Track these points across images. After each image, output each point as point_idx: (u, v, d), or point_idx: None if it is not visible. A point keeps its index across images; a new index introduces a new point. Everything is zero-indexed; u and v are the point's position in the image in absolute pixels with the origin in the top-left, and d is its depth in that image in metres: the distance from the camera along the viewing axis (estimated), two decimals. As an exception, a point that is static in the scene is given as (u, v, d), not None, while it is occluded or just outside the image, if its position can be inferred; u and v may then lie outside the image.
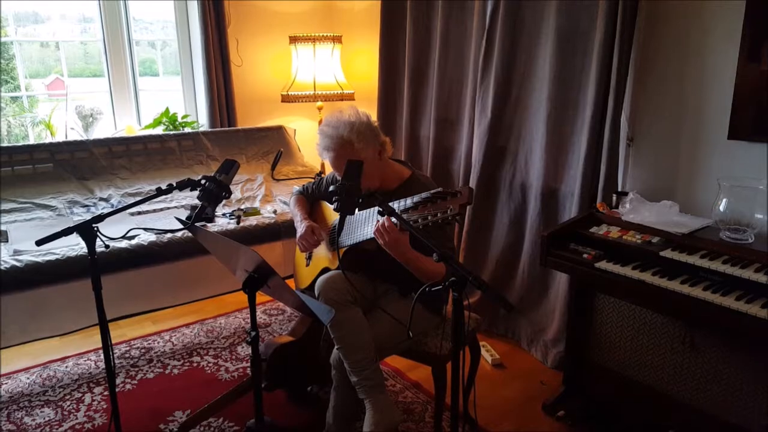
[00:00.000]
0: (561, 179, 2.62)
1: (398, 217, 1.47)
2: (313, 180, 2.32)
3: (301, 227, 2.06)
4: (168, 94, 3.71)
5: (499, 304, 1.29)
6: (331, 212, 2.14)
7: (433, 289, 1.32)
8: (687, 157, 2.23)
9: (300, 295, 1.57)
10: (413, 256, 1.73)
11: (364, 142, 1.83)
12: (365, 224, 1.83)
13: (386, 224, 1.63)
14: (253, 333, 1.61)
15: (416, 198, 1.58)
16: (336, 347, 1.85)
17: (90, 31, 3.50)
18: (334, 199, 1.50)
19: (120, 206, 1.65)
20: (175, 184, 1.58)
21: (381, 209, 1.49)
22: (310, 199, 2.25)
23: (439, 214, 1.47)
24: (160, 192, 1.58)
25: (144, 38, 3.75)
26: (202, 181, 1.60)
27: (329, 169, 2.21)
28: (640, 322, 2.04)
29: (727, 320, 1.68)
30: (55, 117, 3.34)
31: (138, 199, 1.66)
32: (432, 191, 1.57)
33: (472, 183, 2.92)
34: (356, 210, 1.56)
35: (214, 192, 1.60)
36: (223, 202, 2.82)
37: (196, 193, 1.64)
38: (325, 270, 2.03)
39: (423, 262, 1.74)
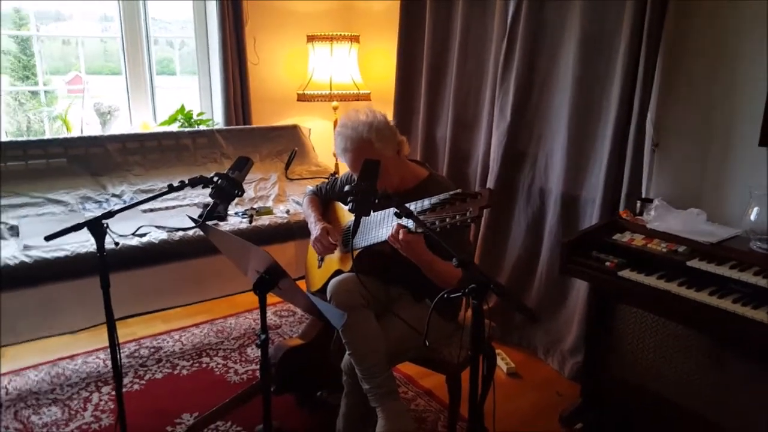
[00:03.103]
0: (582, 185, 2.54)
1: (415, 219, 1.41)
2: (327, 180, 2.27)
3: (315, 229, 2.02)
4: (185, 92, 3.70)
5: (522, 313, 1.23)
6: (344, 213, 2.09)
7: (451, 296, 1.26)
8: (715, 163, 2.15)
9: (312, 298, 1.53)
10: (430, 258, 1.69)
11: (383, 142, 1.79)
12: (380, 226, 1.78)
13: (401, 236, 1.60)
14: (263, 336, 1.56)
15: (434, 199, 1.52)
16: (347, 352, 1.80)
17: (110, 30, 3.52)
18: (349, 199, 1.45)
19: (131, 203, 1.61)
20: (187, 181, 1.54)
21: (398, 211, 1.43)
22: (324, 199, 2.21)
23: (457, 216, 1.41)
24: (171, 189, 1.54)
25: (163, 37, 3.75)
26: (215, 179, 1.56)
27: (343, 170, 2.16)
28: (663, 334, 1.96)
29: (758, 335, 1.60)
30: (73, 113, 3.35)
31: (149, 195, 1.62)
32: (451, 192, 1.51)
33: (490, 186, 2.86)
34: (371, 211, 1.51)
35: (227, 190, 1.56)
36: (236, 200, 2.80)
37: (209, 190, 1.60)
38: (338, 272, 1.98)
39: (439, 264, 1.69)
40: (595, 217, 2.43)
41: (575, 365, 2.51)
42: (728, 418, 1.81)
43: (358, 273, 1.76)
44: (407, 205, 1.50)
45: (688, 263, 1.81)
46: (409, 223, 1.59)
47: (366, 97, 3.54)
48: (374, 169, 1.49)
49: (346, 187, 1.47)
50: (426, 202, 1.55)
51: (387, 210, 1.76)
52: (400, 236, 1.62)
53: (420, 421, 2.24)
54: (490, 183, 2.86)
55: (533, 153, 2.75)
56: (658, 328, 1.97)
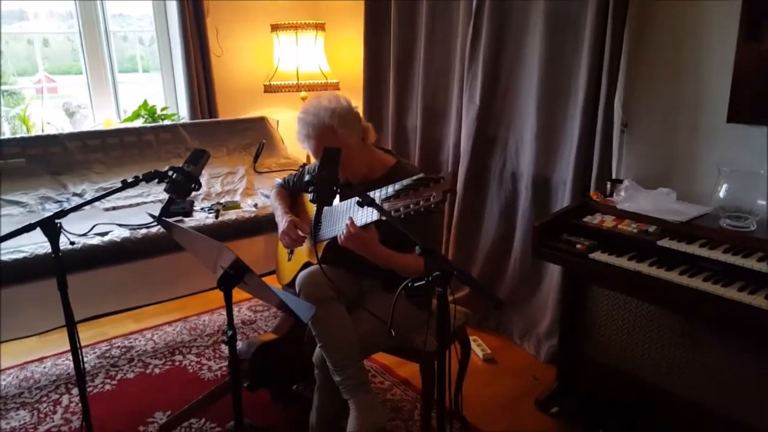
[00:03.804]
0: (553, 168, 2.53)
1: (378, 207, 1.37)
2: (296, 172, 2.22)
3: (282, 222, 1.97)
4: (154, 89, 3.60)
5: (487, 300, 1.21)
6: (312, 204, 2.04)
7: (416, 284, 1.23)
8: (684, 142, 2.15)
9: (278, 292, 1.49)
10: (385, 254, 1.66)
11: (346, 128, 1.74)
12: (347, 215, 1.73)
13: (351, 230, 1.55)
14: (230, 332, 1.53)
15: (398, 186, 1.48)
16: (318, 345, 1.77)
17: (75, 28, 3.40)
18: (309, 189, 1.40)
19: (83, 201, 1.54)
20: (141, 177, 1.48)
21: (360, 199, 1.39)
22: (292, 191, 2.16)
23: (421, 202, 1.37)
24: (125, 185, 1.48)
25: (134, 32, 3.64)
26: (170, 173, 1.51)
27: (314, 160, 2.11)
28: (636, 315, 1.96)
29: (729, 312, 1.60)
30: (36, 113, 3.24)
31: (102, 193, 1.56)
32: (414, 178, 1.47)
33: (461, 174, 2.84)
34: (335, 201, 1.47)
35: (183, 184, 1.51)
36: (203, 195, 2.73)
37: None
38: (307, 265, 1.93)
39: (396, 258, 1.67)
40: (566, 199, 2.42)
41: (551, 349, 2.51)
42: (703, 396, 1.82)
43: (327, 265, 1.72)
44: (371, 193, 1.46)
45: (659, 243, 1.80)
46: (374, 213, 1.55)
47: (335, 86, 3.48)
48: (335, 156, 1.44)
49: (306, 177, 1.43)
50: (390, 189, 1.50)
51: (354, 199, 1.72)
52: (352, 231, 1.58)
53: (396, 410, 2.22)
54: (462, 170, 2.83)
55: (503, 138, 2.73)
56: (631, 308, 1.97)
